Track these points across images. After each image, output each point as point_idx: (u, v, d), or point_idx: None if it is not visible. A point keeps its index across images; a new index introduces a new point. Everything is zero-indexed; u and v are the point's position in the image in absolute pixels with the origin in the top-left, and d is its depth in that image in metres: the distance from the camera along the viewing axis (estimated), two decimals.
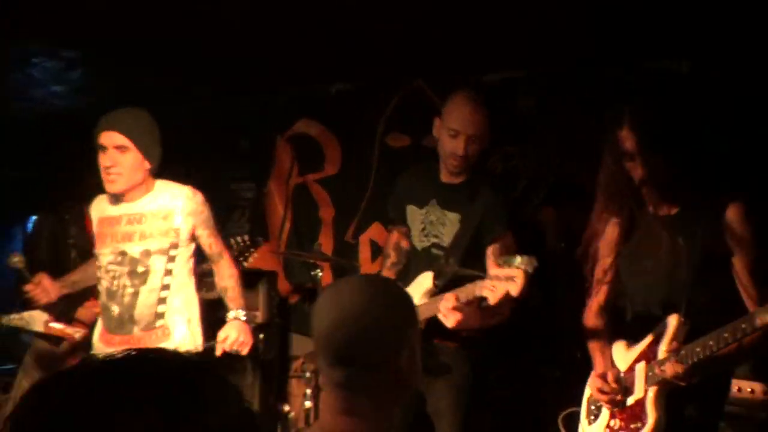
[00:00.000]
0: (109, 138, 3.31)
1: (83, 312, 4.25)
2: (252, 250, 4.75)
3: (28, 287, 3.67)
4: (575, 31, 4.28)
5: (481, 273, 3.04)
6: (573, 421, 3.12)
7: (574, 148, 4.95)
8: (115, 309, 3.40)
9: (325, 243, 5.87)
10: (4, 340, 5.82)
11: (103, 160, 3.33)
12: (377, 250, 5.79)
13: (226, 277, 3.61)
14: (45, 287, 3.67)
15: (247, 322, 3.52)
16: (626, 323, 2.82)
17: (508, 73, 5.12)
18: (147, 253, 3.39)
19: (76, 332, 4.25)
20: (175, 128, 5.88)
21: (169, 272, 3.42)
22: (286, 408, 4.77)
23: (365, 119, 5.71)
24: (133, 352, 0.99)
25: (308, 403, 4.85)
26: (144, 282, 3.39)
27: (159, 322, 3.41)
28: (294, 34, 4.56)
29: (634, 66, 4.67)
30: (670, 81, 4.49)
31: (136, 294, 3.38)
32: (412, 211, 3.58)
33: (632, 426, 2.60)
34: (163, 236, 3.39)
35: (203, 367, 0.99)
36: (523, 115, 5.12)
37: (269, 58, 5.08)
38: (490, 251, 3.37)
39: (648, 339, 2.65)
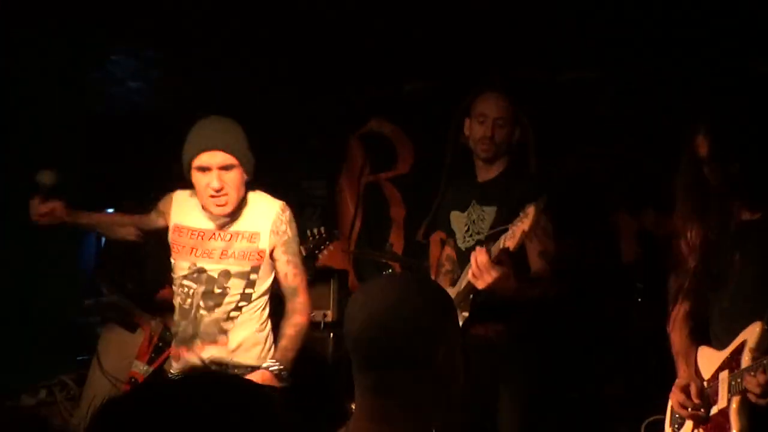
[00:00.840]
0: (212, 158, 3.08)
1: (159, 298, 4.37)
2: (328, 243, 4.82)
3: (41, 208, 3.43)
4: (656, 30, 4.25)
5: (504, 227, 3.03)
6: (656, 430, 3.11)
7: (653, 152, 4.91)
8: (186, 328, 3.25)
9: (396, 243, 5.92)
10: (80, 331, 6.03)
11: (209, 181, 3.09)
12: None
13: (291, 324, 3.26)
14: (55, 215, 3.47)
15: (278, 377, 3.16)
16: (713, 330, 2.80)
17: (585, 73, 5.10)
18: (227, 274, 3.21)
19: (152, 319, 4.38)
20: (249, 126, 6.08)
21: (246, 297, 3.23)
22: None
23: (438, 118, 5.73)
24: (196, 375, 1.08)
25: None
26: (219, 305, 3.20)
27: (220, 337, 3.23)
28: (368, 32, 4.62)
29: (719, 66, 4.61)
30: (755, 82, 4.42)
31: (207, 317, 3.21)
32: (455, 216, 3.69)
33: None
34: (245, 258, 3.21)
35: (260, 396, 1.04)
36: (600, 117, 5.09)
37: (344, 57, 5.15)
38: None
39: (732, 346, 2.63)
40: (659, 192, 4.91)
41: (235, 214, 3.22)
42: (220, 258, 3.21)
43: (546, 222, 3.39)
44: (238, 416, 0.99)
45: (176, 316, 3.31)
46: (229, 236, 3.22)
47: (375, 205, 6.14)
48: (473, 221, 3.59)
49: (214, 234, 3.23)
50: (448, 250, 3.82)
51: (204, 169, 3.10)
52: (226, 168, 3.09)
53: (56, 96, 5.20)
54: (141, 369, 4.32)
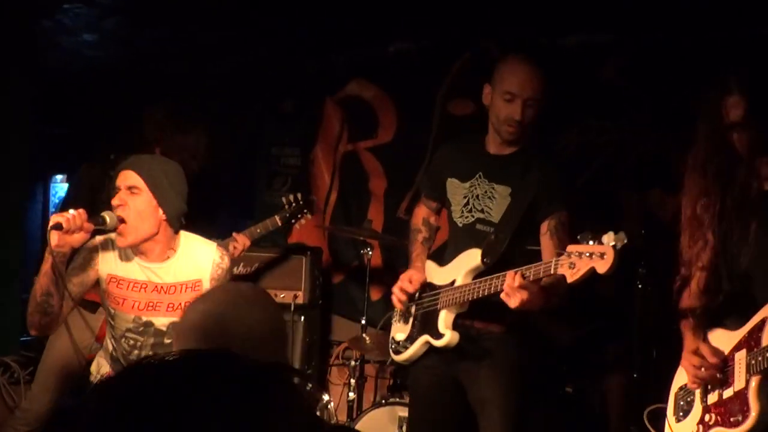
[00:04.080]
0: (122, 178, 3.24)
1: None
2: (305, 211, 4.76)
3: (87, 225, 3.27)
4: None
5: (556, 252, 3.03)
6: (657, 418, 3.10)
7: (662, 125, 4.88)
8: None
9: (375, 218, 5.86)
10: (23, 311, 5.95)
11: (112, 200, 3.24)
12: None
13: None
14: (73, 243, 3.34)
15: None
16: (728, 308, 2.79)
17: (591, 37, 5.04)
18: None
19: None
20: (213, 86, 5.99)
21: None
22: (326, 398, 4.79)
23: (425, 82, 5.66)
24: (208, 353, 1.06)
25: (352, 395, 4.87)
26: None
27: None
28: None
29: (736, 32, 4.57)
30: None
31: None
32: (453, 185, 3.58)
33: (732, 419, 2.57)
34: None
35: (275, 374, 1.05)
36: (606, 86, 5.04)
37: (322, 11, 5.05)
38: (545, 228, 3.39)
39: (750, 324, 2.63)
40: (668, 170, 4.90)
41: (161, 256, 3.33)
42: (167, 311, 3.34)
43: (566, 216, 3.36)
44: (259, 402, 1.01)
45: (119, 362, 3.40)
46: (173, 289, 3.35)
47: (353, 177, 6.06)
48: (476, 196, 3.49)
49: (156, 287, 3.33)
50: (425, 211, 3.75)
51: (116, 191, 3.25)
52: (130, 189, 3.22)
53: (3, 48, 5.11)
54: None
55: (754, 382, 2.54)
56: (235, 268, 4.87)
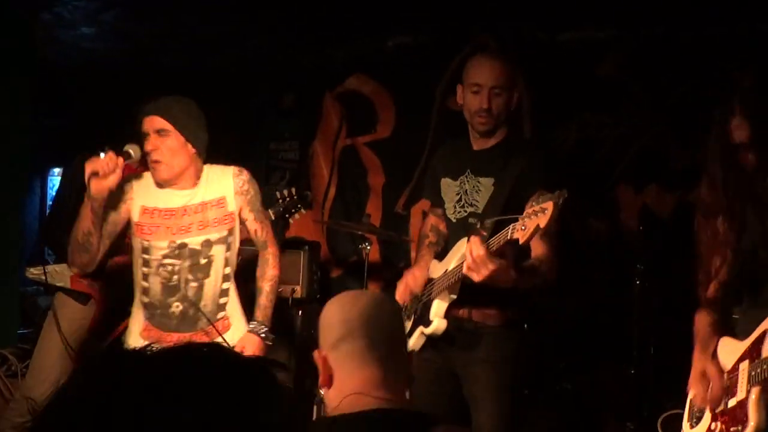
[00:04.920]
0: (149, 123, 3.41)
1: (111, 267, 4.31)
2: (300, 206, 4.76)
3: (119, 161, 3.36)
4: None
5: (512, 216, 3.04)
6: (673, 424, 3.12)
7: (661, 121, 4.91)
8: (177, 306, 3.49)
9: (374, 213, 5.87)
10: (20, 303, 5.96)
11: (146, 146, 3.41)
12: None
13: (266, 278, 3.69)
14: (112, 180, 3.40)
15: (265, 340, 3.58)
16: (740, 320, 2.81)
17: (590, 33, 5.05)
18: (208, 243, 3.49)
19: (101, 288, 4.33)
20: (211, 80, 6.00)
21: (228, 261, 3.54)
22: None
23: (424, 77, 5.68)
24: (191, 345, 1.06)
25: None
26: (207, 275, 3.50)
27: (220, 314, 3.54)
28: None
29: (735, 28, 4.58)
30: None
31: (200, 288, 3.49)
32: (446, 184, 3.64)
33: (733, 429, 2.59)
34: (222, 224, 3.51)
35: (258, 366, 1.07)
36: (605, 82, 5.06)
37: (322, 5, 5.06)
38: (528, 208, 3.41)
39: (754, 335, 2.64)
40: (665, 166, 4.93)
41: (189, 185, 3.50)
42: (198, 230, 3.49)
43: None
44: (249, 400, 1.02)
45: (158, 295, 3.50)
46: (200, 208, 3.50)
47: (351, 172, 6.08)
48: (466, 191, 3.55)
49: (185, 209, 3.49)
50: (433, 219, 3.80)
51: (145, 135, 3.41)
52: (159, 132, 3.40)
53: (2, 41, 5.10)
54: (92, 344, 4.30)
55: (754, 392, 2.56)
56: None
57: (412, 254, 5.96)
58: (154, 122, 3.40)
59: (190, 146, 3.45)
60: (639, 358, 4.51)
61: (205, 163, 3.55)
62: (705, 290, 2.84)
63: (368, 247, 5.09)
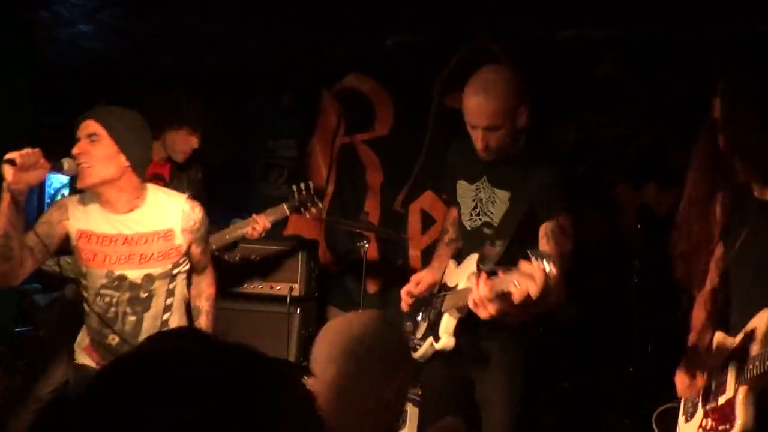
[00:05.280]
0: (83, 127, 3.19)
1: None
2: (315, 199, 4.72)
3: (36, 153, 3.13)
4: None
5: (512, 267, 2.95)
6: (666, 419, 3.13)
7: (660, 121, 4.91)
8: (114, 338, 3.31)
9: (372, 211, 5.88)
10: (19, 301, 5.97)
11: (73, 149, 3.18)
12: (428, 222, 5.79)
13: (204, 298, 3.56)
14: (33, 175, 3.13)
15: None
16: (732, 314, 2.81)
17: (589, 32, 5.06)
18: (149, 278, 3.31)
19: None
20: (210, 79, 6.00)
21: (171, 292, 3.39)
22: None
23: (423, 76, 5.68)
24: (222, 345, 1.06)
25: None
26: (147, 308, 3.33)
27: None
28: None
29: (734, 27, 4.59)
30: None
31: (139, 322, 3.32)
32: (462, 187, 3.57)
33: (721, 427, 2.60)
34: (166, 258, 3.32)
35: (285, 373, 1.07)
36: (604, 81, 5.07)
37: (320, 4, 5.06)
38: (542, 231, 3.33)
39: (742, 333, 2.64)
40: (664, 165, 4.94)
41: (136, 212, 3.28)
42: (140, 263, 3.28)
43: (565, 218, 3.32)
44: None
45: (95, 324, 3.33)
46: (144, 239, 3.28)
47: (350, 170, 6.08)
48: (482, 200, 3.48)
49: (127, 239, 3.27)
50: (454, 213, 3.71)
51: (77, 140, 3.19)
52: (90, 136, 3.16)
53: (2, 41, 5.10)
54: None
55: (742, 392, 2.56)
56: (224, 255, 4.87)
57: (411, 252, 6.00)
58: (87, 126, 3.18)
59: (123, 157, 3.18)
60: (638, 357, 4.52)
61: (144, 179, 3.30)
62: (699, 286, 2.85)
63: (366, 245, 5.10)
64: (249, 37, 5.74)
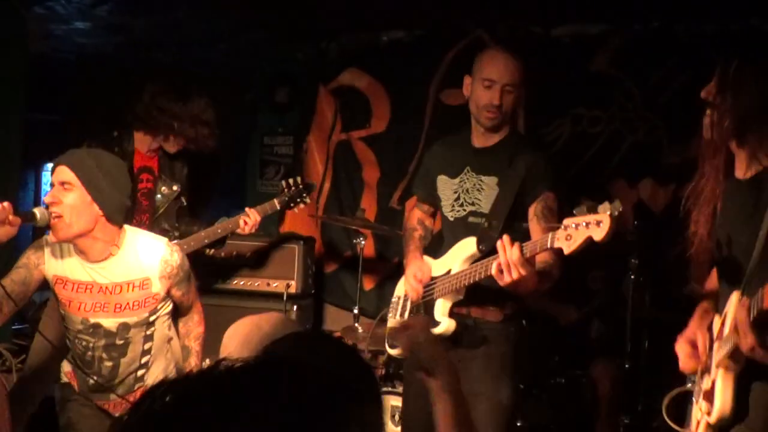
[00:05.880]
0: (56, 173, 3.10)
1: None
2: (304, 195, 4.73)
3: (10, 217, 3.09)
4: None
5: (555, 225, 3.01)
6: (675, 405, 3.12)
7: (655, 116, 4.91)
8: (91, 379, 3.31)
9: (368, 208, 5.87)
10: None
11: (45, 197, 3.13)
12: None
13: (192, 338, 3.51)
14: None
15: None
16: (720, 302, 2.82)
17: (584, 28, 5.06)
18: (125, 326, 3.27)
19: None
20: (206, 73, 5.99)
21: (149, 337, 3.34)
22: None
23: (419, 72, 5.68)
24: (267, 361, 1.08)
25: None
26: (123, 354, 3.29)
27: (138, 385, 3.36)
28: None
29: (730, 23, 4.60)
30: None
31: (116, 367, 3.30)
32: (443, 182, 3.63)
33: (705, 410, 2.62)
34: (142, 307, 3.26)
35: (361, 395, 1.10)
36: (599, 76, 5.07)
37: (315, 1, 5.05)
38: (532, 212, 3.41)
39: (723, 316, 2.66)
40: (659, 161, 4.95)
41: (111, 260, 3.20)
42: (115, 312, 3.23)
43: (552, 200, 3.38)
44: None
45: (76, 361, 3.36)
46: (119, 289, 3.22)
47: (346, 167, 6.08)
48: (466, 190, 3.54)
49: (102, 288, 3.21)
50: (419, 213, 3.80)
51: (51, 185, 3.13)
52: (63, 185, 3.08)
53: None
54: None
55: (720, 374, 2.58)
56: (208, 251, 4.85)
57: (406, 245, 5.98)
58: (59, 173, 3.09)
59: (96, 207, 3.09)
60: (633, 353, 4.53)
61: (121, 225, 3.22)
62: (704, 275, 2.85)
63: (363, 242, 5.10)
64: (244, 32, 5.73)
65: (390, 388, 4.54)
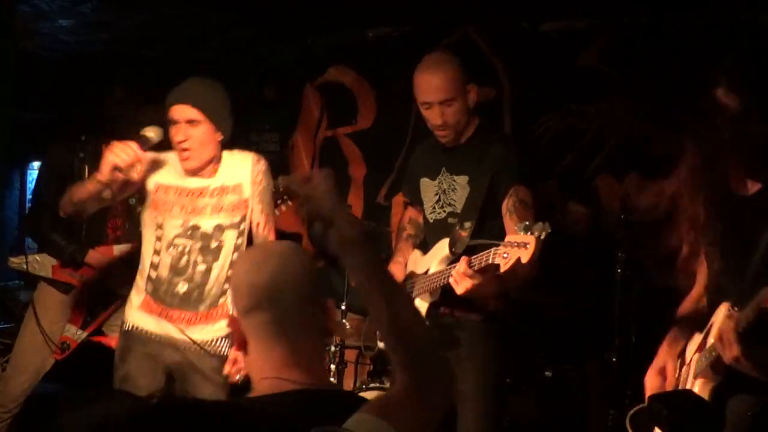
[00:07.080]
0: (179, 112, 3.42)
1: (94, 256, 4.30)
2: (285, 197, 4.73)
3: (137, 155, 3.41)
4: None
5: (494, 242, 3.08)
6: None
7: (643, 109, 4.91)
8: (182, 286, 3.52)
9: (355, 204, 5.88)
10: (1, 298, 5.93)
11: (175, 134, 3.43)
12: None
13: None
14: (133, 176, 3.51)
15: None
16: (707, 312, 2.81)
17: (572, 23, 5.06)
18: (220, 228, 3.53)
19: (83, 278, 4.32)
20: (191, 71, 5.96)
21: (238, 248, 3.55)
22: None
23: (405, 68, 5.64)
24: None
25: (332, 380, 4.88)
26: (217, 258, 3.52)
27: (221, 300, 3.54)
28: None
29: (719, 17, 4.60)
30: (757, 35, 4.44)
31: (208, 271, 3.51)
32: (425, 184, 3.66)
33: None
34: (236, 209, 3.54)
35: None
36: (587, 71, 5.08)
37: None
38: (505, 207, 3.42)
39: (707, 328, 2.65)
40: (647, 155, 4.95)
41: (211, 171, 3.54)
42: (212, 213, 3.52)
43: (525, 193, 3.38)
44: None
45: (164, 272, 3.54)
46: (217, 192, 3.53)
47: (332, 163, 6.06)
48: (444, 191, 3.56)
49: (202, 192, 3.52)
50: (411, 212, 3.81)
51: (173, 122, 3.43)
52: (190, 122, 3.41)
53: None
54: (74, 334, 4.31)
55: (698, 385, 2.58)
56: None
57: (393, 245, 5.99)
58: (185, 112, 3.41)
59: (219, 135, 3.48)
60: (621, 347, 4.53)
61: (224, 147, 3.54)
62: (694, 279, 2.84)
63: None
64: (231, 29, 5.71)
65: (377, 384, 4.54)
